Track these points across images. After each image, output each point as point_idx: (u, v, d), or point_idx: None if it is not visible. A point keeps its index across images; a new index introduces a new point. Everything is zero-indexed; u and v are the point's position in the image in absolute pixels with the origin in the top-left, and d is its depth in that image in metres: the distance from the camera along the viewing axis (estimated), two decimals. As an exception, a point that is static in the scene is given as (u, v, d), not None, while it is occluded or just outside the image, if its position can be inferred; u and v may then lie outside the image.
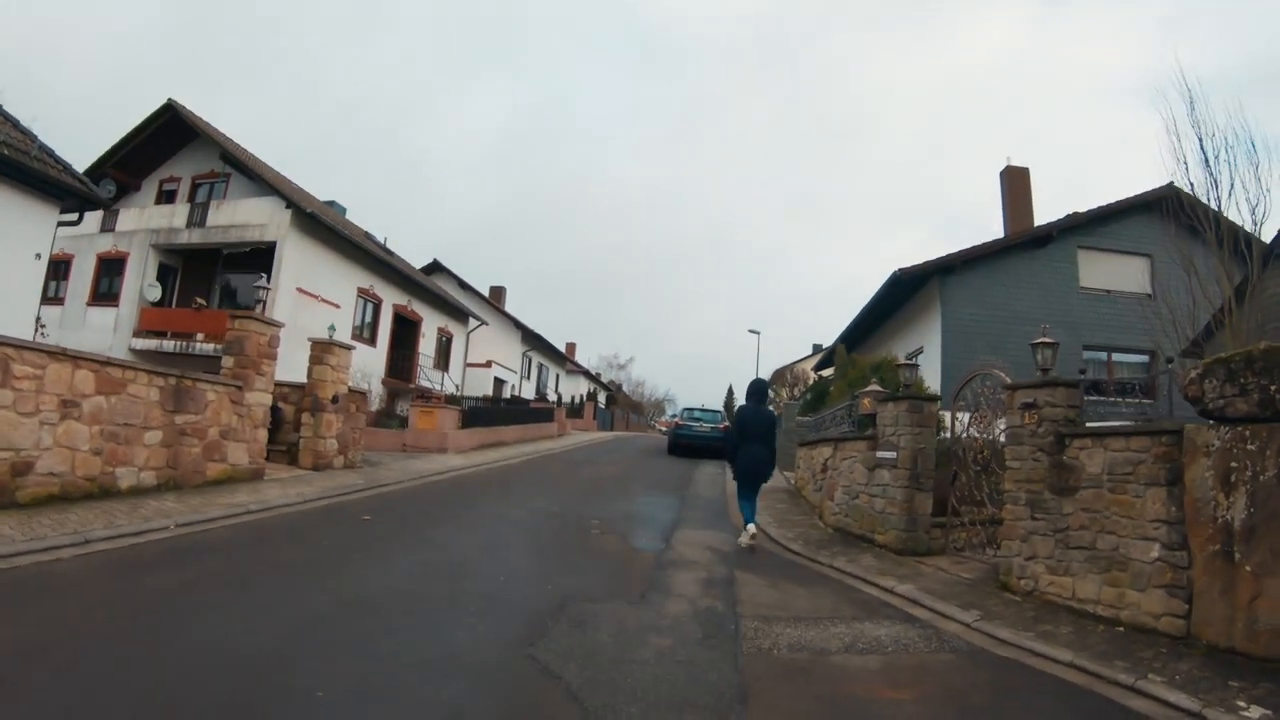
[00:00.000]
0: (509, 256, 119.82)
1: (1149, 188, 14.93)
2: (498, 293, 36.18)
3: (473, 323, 28.62)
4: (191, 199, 18.71)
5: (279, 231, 16.88)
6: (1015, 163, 17.97)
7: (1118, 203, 15.43)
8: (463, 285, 31.27)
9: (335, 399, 10.99)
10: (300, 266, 17.29)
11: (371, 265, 20.53)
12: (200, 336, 16.72)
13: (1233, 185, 8.33)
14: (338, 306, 18.42)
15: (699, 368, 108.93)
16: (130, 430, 7.17)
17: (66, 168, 10.89)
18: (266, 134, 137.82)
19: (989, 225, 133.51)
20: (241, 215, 17.54)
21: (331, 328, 11.64)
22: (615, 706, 3.19)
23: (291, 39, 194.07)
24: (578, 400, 39.84)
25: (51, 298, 18.41)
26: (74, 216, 11.62)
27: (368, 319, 20.85)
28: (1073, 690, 3.91)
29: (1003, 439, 6.56)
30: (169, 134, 18.45)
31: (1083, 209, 15.60)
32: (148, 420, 7.38)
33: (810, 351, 45.70)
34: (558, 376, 41.88)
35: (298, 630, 3.94)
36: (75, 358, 6.60)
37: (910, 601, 5.61)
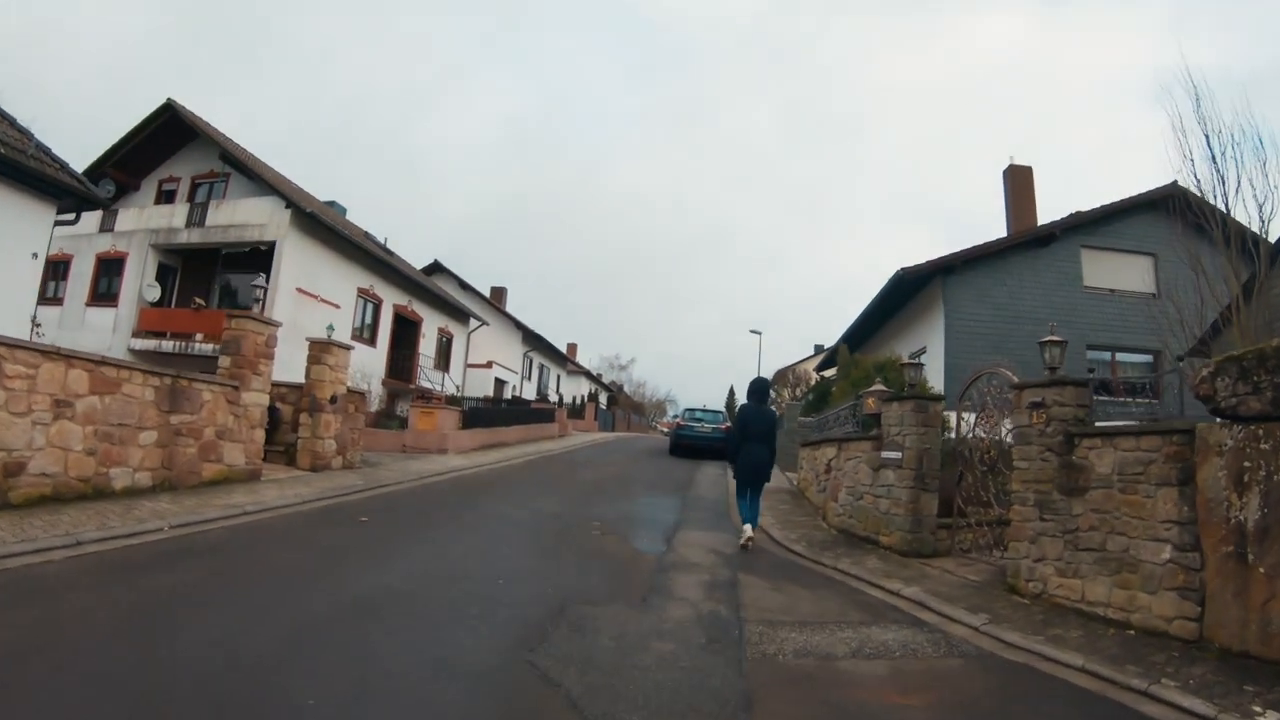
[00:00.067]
0: (510, 257, 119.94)
1: (1152, 187, 14.93)
2: (499, 293, 36.11)
3: (473, 323, 28.54)
4: (191, 199, 18.64)
5: (278, 231, 16.80)
6: (1018, 162, 17.90)
7: (1121, 201, 15.33)
8: (463, 286, 31.20)
9: (333, 399, 10.90)
10: (300, 266, 17.21)
11: (372, 265, 20.45)
12: (199, 337, 16.64)
13: (1239, 182, 8.24)
14: (337, 307, 18.34)
15: (700, 368, 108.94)
16: (125, 430, 7.08)
17: (63, 166, 10.81)
18: (267, 134, 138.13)
19: (991, 225, 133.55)
20: (241, 215, 17.46)
21: (330, 327, 11.56)
22: (616, 716, 3.10)
23: (292, 39, 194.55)
24: (579, 401, 39.73)
25: (50, 298, 18.37)
26: (71, 216, 11.57)
27: (368, 319, 20.77)
28: (1085, 696, 3.82)
29: (1010, 439, 6.46)
30: (168, 134, 18.38)
31: (1086, 208, 15.52)
32: (142, 420, 7.30)
33: (812, 352, 45.60)
34: (559, 377, 41.81)
35: (292, 634, 3.85)
36: (69, 357, 6.52)
37: (917, 604, 5.51)
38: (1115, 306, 14.83)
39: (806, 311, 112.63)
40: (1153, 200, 14.75)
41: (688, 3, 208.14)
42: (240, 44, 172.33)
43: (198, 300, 17.12)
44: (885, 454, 7.81)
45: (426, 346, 24.50)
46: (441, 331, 25.98)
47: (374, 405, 18.67)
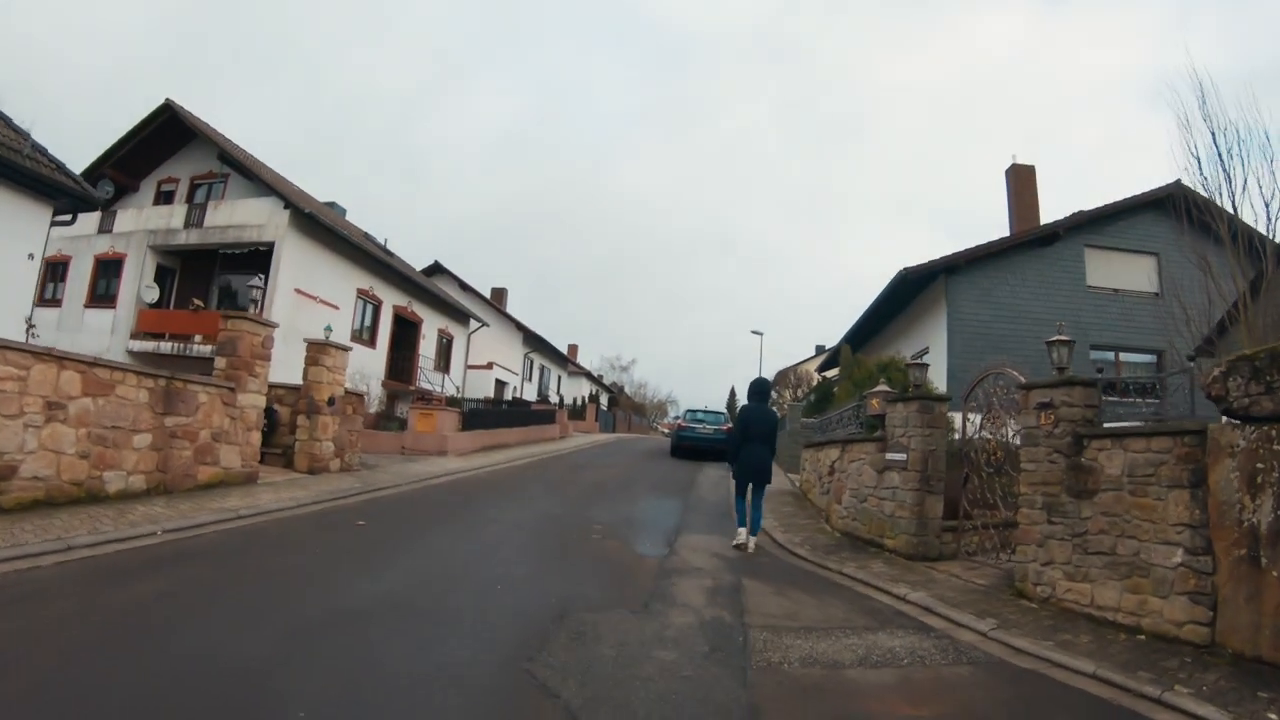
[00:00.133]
0: (511, 258, 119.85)
1: (1153, 186, 14.86)
2: (499, 294, 36.03)
3: (474, 324, 28.46)
4: (190, 199, 18.55)
5: (277, 232, 16.70)
6: (1020, 161, 17.81)
7: (1124, 200, 15.26)
8: (464, 287, 31.12)
9: (331, 401, 10.80)
10: (299, 267, 17.12)
11: (371, 266, 20.36)
12: (198, 338, 16.55)
13: (1246, 180, 8.15)
14: (337, 308, 18.25)
15: (701, 369, 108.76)
16: (118, 433, 6.98)
17: (60, 166, 10.74)
18: (267, 135, 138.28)
19: (991, 226, 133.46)
20: (239, 215, 17.37)
21: (328, 328, 11.46)
22: (617, 728, 3.00)
23: (292, 39, 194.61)
24: (580, 402, 39.63)
25: (49, 299, 18.30)
26: (67, 217, 11.50)
27: (367, 320, 20.67)
28: (1097, 704, 3.73)
29: (1017, 440, 6.37)
30: (167, 134, 18.29)
31: (1088, 208, 15.44)
32: (137, 423, 7.20)
33: (813, 352, 45.53)
34: (559, 378, 41.72)
35: (283, 643, 3.76)
36: (61, 358, 6.43)
37: (924, 610, 5.41)
38: (1119, 306, 14.77)
39: (807, 312, 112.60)
40: (1156, 199, 14.70)
41: (688, 3, 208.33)
42: (240, 44, 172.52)
43: (196, 301, 17.03)
44: (890, 456, 7.71)
45: (426, 348, 24.41)
46: (441, 333, 25.89)
47: (373, 407, 18.57)
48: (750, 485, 8.01)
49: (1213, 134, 8.31)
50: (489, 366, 29.81)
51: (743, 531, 7.84)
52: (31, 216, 10.48)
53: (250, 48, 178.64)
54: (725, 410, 34.24)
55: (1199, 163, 8.37)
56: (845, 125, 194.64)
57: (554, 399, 36.20)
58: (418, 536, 7.12)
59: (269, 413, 10.33)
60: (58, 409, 6.38)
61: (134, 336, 17.39)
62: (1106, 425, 5.61)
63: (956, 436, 7.86)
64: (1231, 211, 8.25)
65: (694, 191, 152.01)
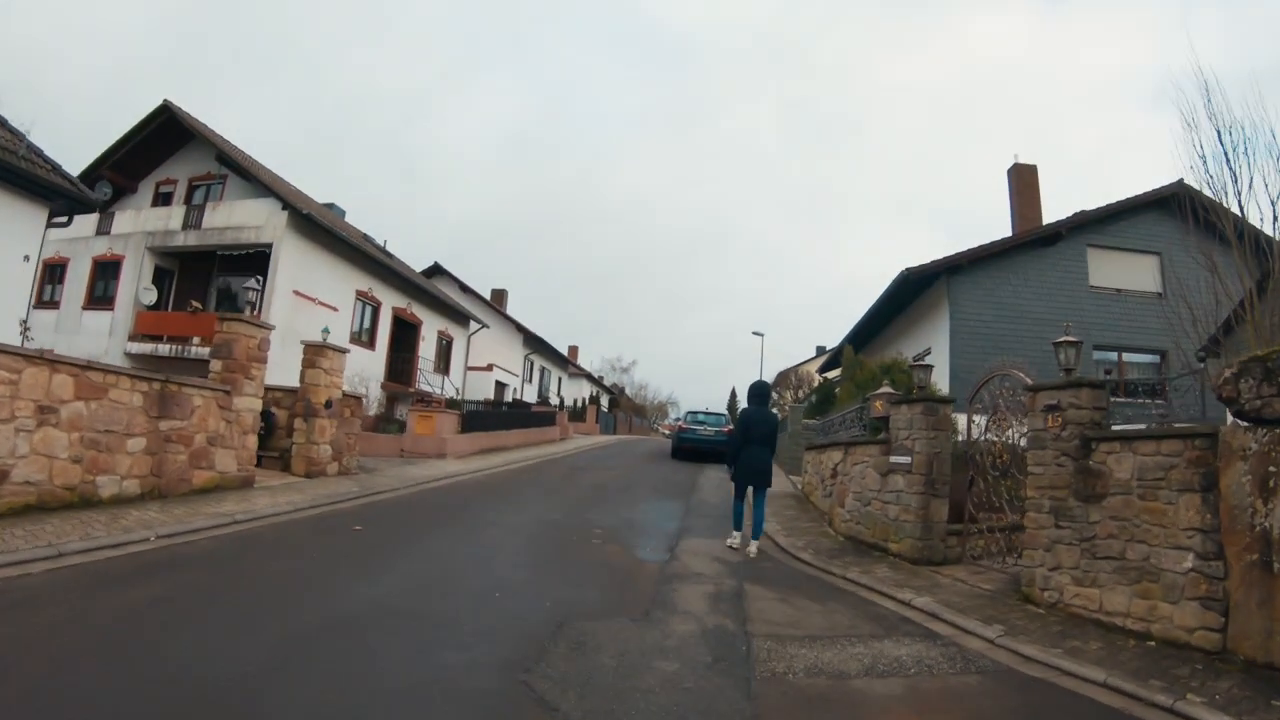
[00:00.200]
0: (511, 259, 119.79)
1: (1155, 186, 14.79)
2: (499, 295, 35.94)
3: (473, 325, 28.37)
4: (188, 201, 18.46)
5: (275, 233, 16.61)
6: (1022, 160, 17.71)
7: (1127, 200, 15.18)
8: (464, 288, 31.03)
9: (329, 404, 10.71)
10: (297, 269, 17.03)
11: (370, 267, 20.28)
12: (196, 340, 16.45)
13: (1252, 179, 8.08)
14: (335, 309, 18.17)
15: (701, 370, 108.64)
16: (112, 437, 6.90)
17: (55, 168, 10.66)
18: (267, 136, 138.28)
19: (991, 226, 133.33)
20: (238, 217, 17.28)
21: (325, 330, 11.38)
22: (617, 745, 2.91)
23: (292, 39, 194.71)
24: (580, 404, 39.54)
25: (47, 301, 18.25)
26: (64, 218, 11.42)
27: (366, 322, 20.58)
28: (1109, 714, 3.65)
29: (1023, 443, 6.28)
30: (165, 135, 18.21)
31: (1090, 207, 15.37)
32: (130, 427, 7.11)
33: (814, 353, 45.47)
34: (560, 380, 41.63)
35: (275, 652, 3.68)
36: (53, 362, 6.35)
37: (929, 616, 5.32)
38: (1121, 306, 14.69)
39: (808, 312, 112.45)
40: (1158, 199, 14.63)
41: (688, 3, 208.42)
42: (240, 44, 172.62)
43: (194, 303, 16.94)
44: (894, 458, 7.62)
45: (426, 349, 24.32)
46: (441, 334, 25.81)
47: (373, 409, 18.49)
48: (751, 488, 7.98)
49: (1218, 132, 8.21)
50: (489, 368, 29.72)
51: (737, 535, 7.88)
52: (27, 218, 10.41)
53: (250, 48, 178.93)
54: (726, 411, 34.15)
55: (1204, 161, 8.29)
56: (845, 125, 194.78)
57: (554, 401, 36.11)
58: (415, 541, 7.03)
59: (266, 416, 10.24)
60: (50, 413, 6.29)
61: (132, 339, 17.31)
62: (1115, 428, 5.52)
63: (960, 439, 7.76)
64: (1238, 210, 8.17)
65: (694, 192, 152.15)
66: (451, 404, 18.64)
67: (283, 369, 11.55)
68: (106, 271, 18.22)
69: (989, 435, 7.04)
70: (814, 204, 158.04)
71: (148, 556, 5.49)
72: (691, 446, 19.53)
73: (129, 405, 7.10)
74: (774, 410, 9.36)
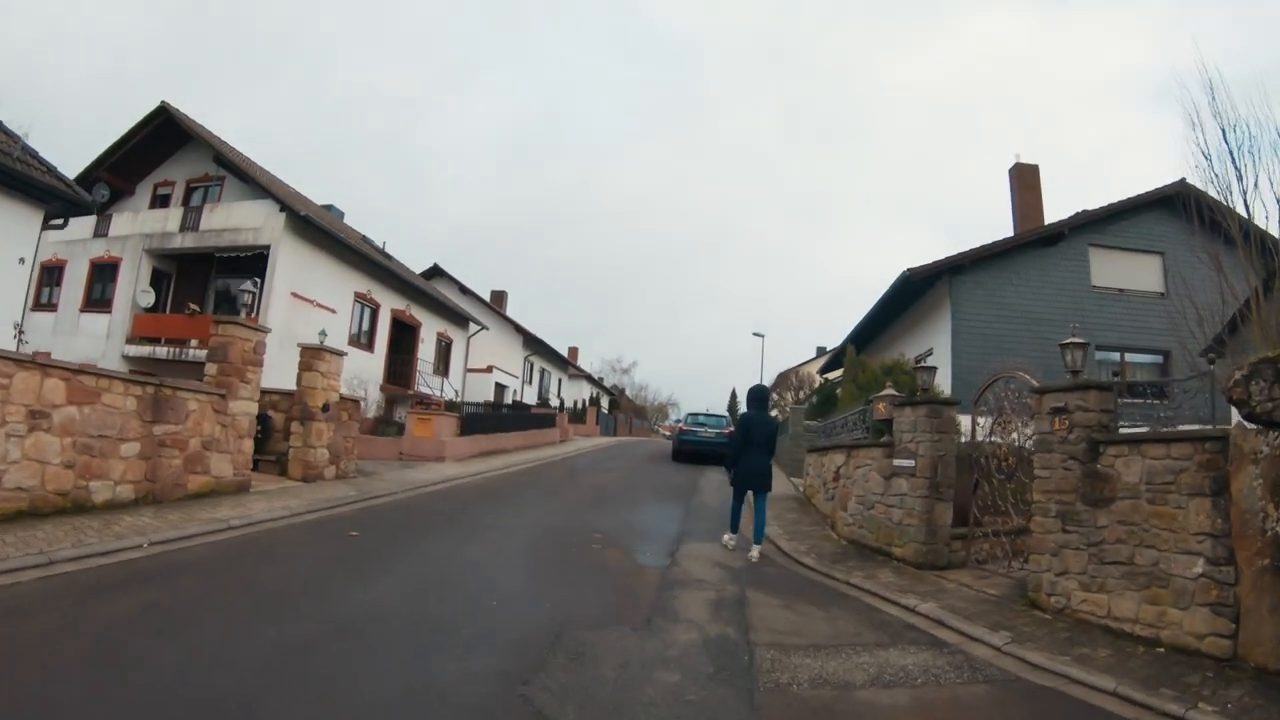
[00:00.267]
0: (510, 260, 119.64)
1: (1155, 185, 14.73)
2: (499, 297, 35.86)
3: (473, 327, 28.30)
4: (185, 203, 18.39)
5: (273, 235, 16.53)
6: (1024, 160, 17.63)
7: (1129, 199, 15.12)
8: (463, 290, 30.95)
9: (326, 407, 10.63)
10: (295, 271, 16.94)
11: (369, 269, 20.20)
12: (194, 343, 16.34)
13: (1257, 178, 8.00)
14: (334, 311, 18.08)
15: (702, 371, 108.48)
16: (105, 442, 6.81)
17: (51, 170, 10.58)
18: (266, 137, 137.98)
19: (994, 226, 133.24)
20: (235, 219, 17.19)
21: (322, 333, 11.30)
22: (617, 761, 2.82)
23: (291, 40, 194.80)
24: (580, 405, 39.45)
25: (45, 304, 18.18)
26: (60, 221, 11.34)
27: (365, 324, 20.50)
28: (1121, 724, 3.55)
29: (1030, 445, 6.19)
30: (163, 137, 18.15)
31: (1092, 207, 15.30)
32: (124, 431, 7.03)
33: (814, 354, 45.41)
34: (560, 381, 41.55)
35: (268, 662, 3.61)
36: (44, 366, 6.27)
37: (935, 623, 5.23)
38: (1124, 306, 14.62)
39: (808, 313, 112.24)
40: (1161, 198, 14.58)
41: (688, 3, 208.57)
42: (238, 46, 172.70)
43: (192, 306, 16.84)
44: (897, 462, 7.53)
45: (425, 351, 24.24)
46: (441, 336, 25.73)
47: (371, 411, 18.40)
48: (751, 492, 7.96)
49: (1223, 130, 8.13)
50: (489, 370, 29.63)
51: (732, 536, 8.00)
52: (22, 220, 10.33)
53: (250, 48, 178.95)
54: (727, 413, 34.08)
55: (1209, 160, 8.21)
56: (845, 125, 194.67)
57: (554, 402, 36.00)
58: (412, 547, 6.94)
59: (263, 419, 10.16)
60: (41, 418, 6.22)
61: (130, 341, 17.23)
62: (1123, 431, 5.43)
63: (963, 440, 7.67)
64: (1244, 208, 8.09)
65: (695, 192, 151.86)
66: (451, 406, 18.54)
67: (281, 372, 11.47)
68: (104, 274, 18.14)
69: (994, 438, 6.95)
70: (814, 204, 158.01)
71: (140, 564, 5.41)
72: (692, 449, 19.44)
73: (122, 409, 7.02)
74: (774, 414, 9.32)
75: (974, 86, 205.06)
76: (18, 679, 3.15)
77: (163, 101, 17.56)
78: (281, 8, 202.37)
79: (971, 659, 4.47)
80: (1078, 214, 15.24)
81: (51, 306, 18.13)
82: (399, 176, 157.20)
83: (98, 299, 18.04)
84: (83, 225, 16.78)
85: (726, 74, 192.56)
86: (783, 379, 46.50)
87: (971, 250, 14.79)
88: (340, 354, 11.35)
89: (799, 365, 45.89)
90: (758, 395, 8.40)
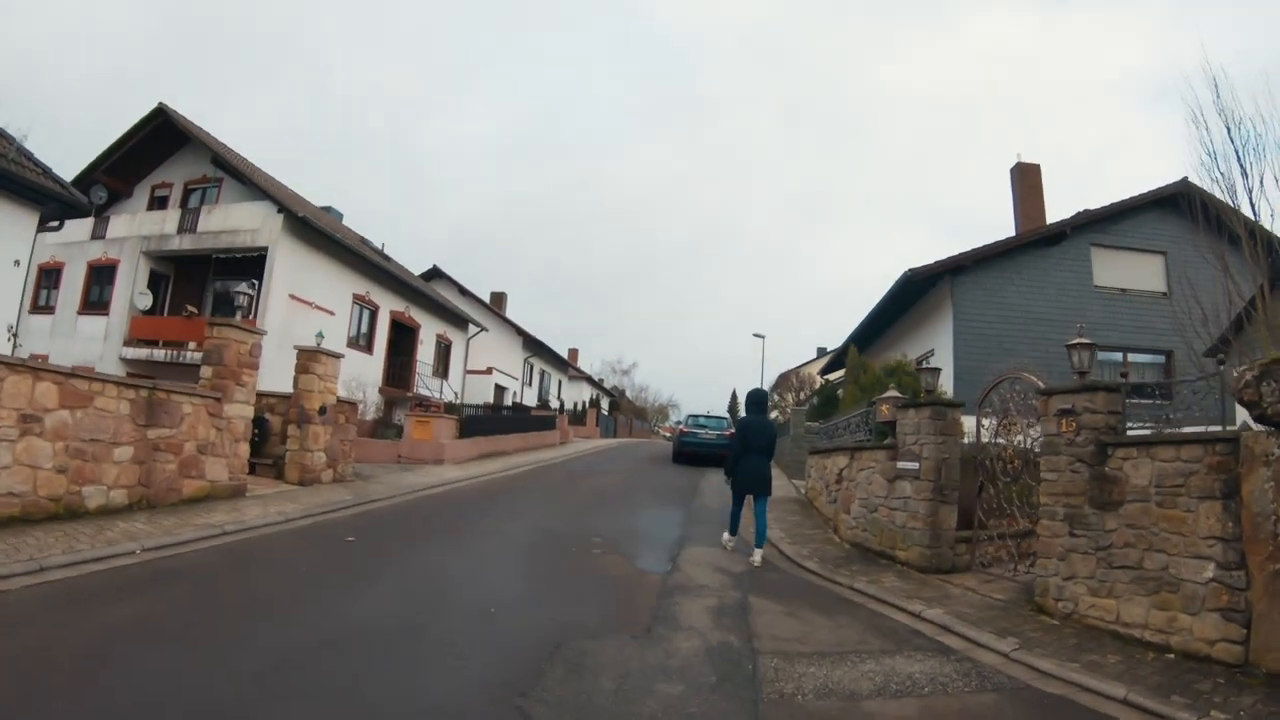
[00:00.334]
0: (510, 261, 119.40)
1: (1160, 184, 14.66)
2: (499, 299, 35.78)
3: (472, 329, 28.22)
4: (183, 204, 18.33)
5: (271, 236, 16.45)
6: (1025, 159, 17.56)
7: (1131, 199, 15.06)
8: (463, 291, 30.87)
9: (323, 410, 10.53)
10: (293, 272, 16.86)
11: (368, 271, 20.12)
12: (192, 345, 16.26)
13: (1263, 176, 7.91)
14: (332, 313, 18.00)
15: (702, 372, 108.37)
16: (98, 446, 6.72)
17: (46, 171, 10.51)
18: (264, 138, 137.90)
19: (994, 226, 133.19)
20: (233, 220, 17.12)
21: (319, 335, 11.20)
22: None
23: (291, 40, 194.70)
24: (580, 407, 39.36)
25: (43, 306, 18.14)
26: (56, 223, 11.27)
27: (364, 326, 20.41)
28: (1133, 734, 3.47)
29: (1036, 448, 6.10)
30: (161, 139, 18.09)
31: (1094, 206, 15.23)
32: (117, 435, 6.94)
33: (815, 355, 45.33)
34: (560, 383, 41.45)
35: (258, 674, 3.52)
36: (36, 369, 6.18)
37: (941, 629, 5.14)
38: (1126, 306, 14.56)
39: (808, 314, 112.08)
40: (1163, 197, 14.53)
41: (689, 4, 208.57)
42: (238, 46, 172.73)
43: (189, 308, 16.78)
44: (901, 464, 7.44)
45: (424, 353, 24.16)
46: (440, 338, 25.65)
47: (370, 414, 18.32)
48: (751, 496, 7.92)
49: (1227, 128, 8.05)
50: (488, 371, 29.54)
51: (732, 538, 8.05)
52: (17, 222, 10.26)
53: (249, 49, 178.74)
54: (728, 414, 33.98)
55: (1214, 158, 8.12)
56: (845, 125, 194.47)
57: (554, 404, 35.91)
58: (409, 553, 6.86)
59: (260, 422, 10.08)
60: (33, 422, 6.13)
61: (127, 344, 17.16)
62: (1131, 433, 5.34)
63: (967, 441, 7.59)
64: (1250, 208, 8.00)
65: (694, 192, 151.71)
66: (450, 408, 18.47)
67: (279, 374, 11.38)
68: (101, 276, 18.08)
69: (999, 439, 6.87)
70: (814, 204, 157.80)
71: (132, 571, 5.32)
72: (693, 451, 19.37)
73: (115, 413, 6.93)
74: (774, 415, 9.29)
75: (974, 86, 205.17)
76: (5, 690, 3.07)
77: (160, 103, 17.50)
78: (281, 8, 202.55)
79: (979, 666, 4.38)
80: (1079, 214, 15.18)
81: (49, 309, 18.08)
82: (399, 177, 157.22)
83: (95, 301, 17.98)
84: (80, 227, 16.72)
85: (726, 74, 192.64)
86: (783, 380, 46.42)
87: (973, 250, 14.73)
88: (337, 356, 11.25)
89: (799, 366, 45.81)
90: (756, 399, 8.40)
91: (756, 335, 47.04)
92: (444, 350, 26.15)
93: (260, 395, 9.70)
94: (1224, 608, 4.17)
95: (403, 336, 22.78)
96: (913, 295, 15.69)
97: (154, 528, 6.47)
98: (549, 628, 4.58)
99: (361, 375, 18.49)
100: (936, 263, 14.51)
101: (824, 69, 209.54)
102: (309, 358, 10.60)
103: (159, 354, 16.67)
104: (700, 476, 15.71)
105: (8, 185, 9.85)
